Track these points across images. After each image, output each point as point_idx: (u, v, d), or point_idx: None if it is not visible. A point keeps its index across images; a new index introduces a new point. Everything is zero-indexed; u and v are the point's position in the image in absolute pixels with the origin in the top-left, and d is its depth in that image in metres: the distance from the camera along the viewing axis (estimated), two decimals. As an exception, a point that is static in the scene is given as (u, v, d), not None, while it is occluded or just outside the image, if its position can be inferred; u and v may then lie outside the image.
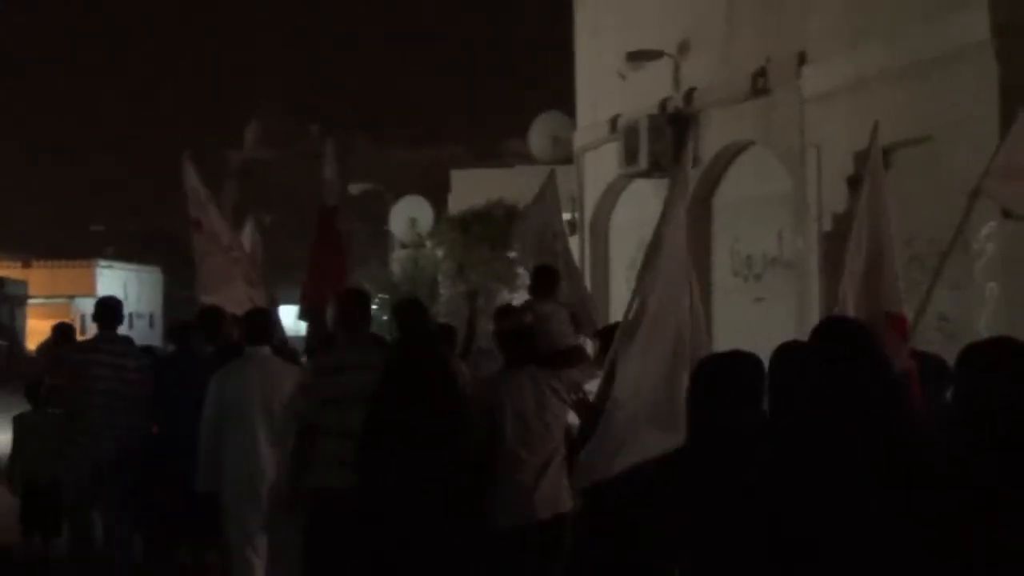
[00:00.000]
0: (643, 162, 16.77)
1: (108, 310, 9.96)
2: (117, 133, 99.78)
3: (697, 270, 17.02)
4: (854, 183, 13.27)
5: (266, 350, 8.76)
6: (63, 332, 11.99)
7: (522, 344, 7.89)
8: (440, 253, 25.01)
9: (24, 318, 49.12)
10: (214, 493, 8.55)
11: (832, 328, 5.21)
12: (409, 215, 30.11)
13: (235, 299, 10.24)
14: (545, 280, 10.63)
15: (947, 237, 8.53)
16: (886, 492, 4.55)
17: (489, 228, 23.40)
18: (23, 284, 51.73)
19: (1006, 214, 6.76)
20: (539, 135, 27.13)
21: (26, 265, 55.61)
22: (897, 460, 4.61)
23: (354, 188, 33.75)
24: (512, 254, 21.94)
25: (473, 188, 25.90)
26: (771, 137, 14.94)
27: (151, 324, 62.89)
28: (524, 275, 22.14)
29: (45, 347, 11.94)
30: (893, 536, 4.51)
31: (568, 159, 26.37)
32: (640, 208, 19.32)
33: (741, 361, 5.60)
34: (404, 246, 30.58)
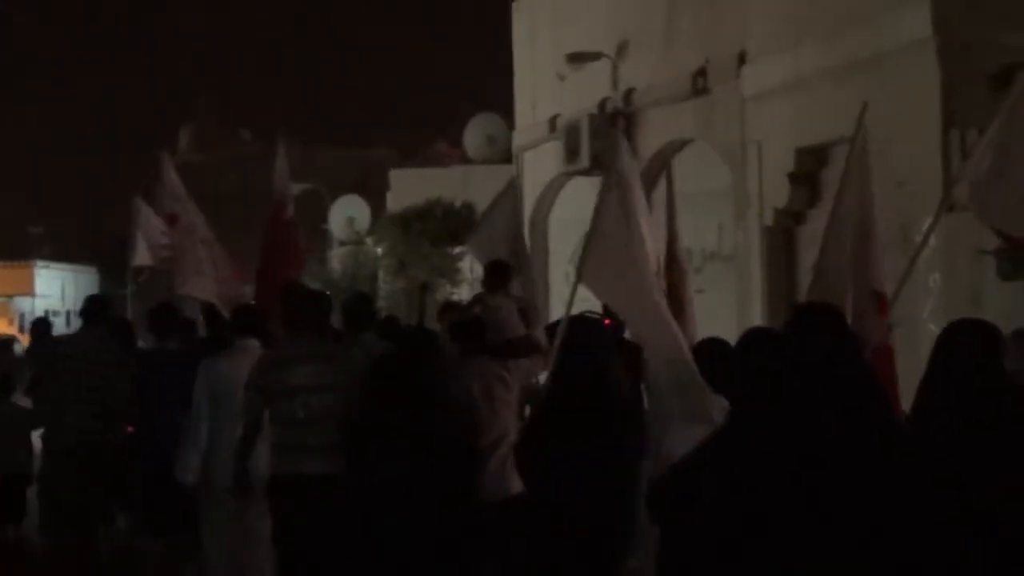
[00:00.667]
0: (584, 160, 16.53)
1: (93, 306, 9.55)
2: (52, 136, 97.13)
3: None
4: (795, 178, 13.14)
5: (254, 342, 8.39)
6: (42, 327, 11.56)
7: (472, 335, 7.87)
8: (380, 250, 24.68)
9: None
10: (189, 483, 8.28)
11: (811, 314, 5.06)
12: (347, 214, 30.05)
13: (206, 289, 10.16)
14: (497, 275, 10.34)
15: (887, 229, 8.31)
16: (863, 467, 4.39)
17: (429, 225, 23.10)
18: None
19: (999, 234, 6.40)
20: (474, 135, 27.09)
21: None
22: (876, 439, 4.50)
23: (294, 188, 33.15)
24: (457, 250, 21.78)
25: (411, 187, 25.61)
26: (711, 134, 14.74)
27: None
28: (466, 270, 22.01)
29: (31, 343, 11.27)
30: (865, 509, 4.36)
31: (502, 159, 26.30)
32: (579, 205, 19.02)
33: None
34: (343, 243, 30.37)
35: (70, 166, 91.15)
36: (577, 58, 16.91)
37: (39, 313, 58.53)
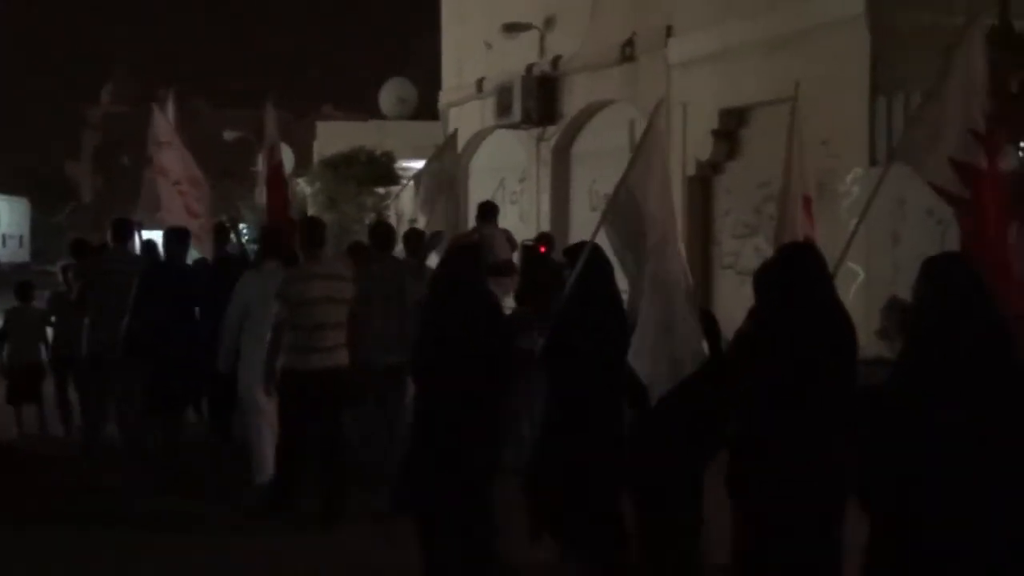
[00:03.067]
0: (516, 115, 15.68)
1: (123, 228, 9.59)
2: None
3: (560, 208, 16.32)
4: (718, 135, 12.54)
5: (277, 263, 8.14)
6: (79, 245, 10.70)
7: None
8: (309, 189, 23.57)
9: None
10: (231, 373, 8.05)
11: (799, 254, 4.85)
12: None
13: (177, 219, 9.87)
14: (488, 210, 10.61)
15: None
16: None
17: (354, 169, 22.14)
18: None
19: (937, 189, 5.90)
20: (387, 96, 26.18)
21: None
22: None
23: (228, 136, 31.94)
24: (383, 190, 21.03)
25: (335, 138, 24.52)
26: (636, 96, 14.01)
27: (20, 244, 60.51)
28: (393, 208, 21.21)
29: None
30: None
31: (411, 116, 25.36)
32: (498, 155, 18.31)
33: None
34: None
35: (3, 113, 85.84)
36: (512, 28, 16.04)
37: None
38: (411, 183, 13.68)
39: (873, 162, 10.14)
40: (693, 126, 12.77)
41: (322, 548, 6.78)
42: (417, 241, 9.35)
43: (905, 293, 4.54)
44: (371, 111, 27.60)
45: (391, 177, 21.67)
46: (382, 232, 8.88)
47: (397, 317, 8.08)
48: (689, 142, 12.84)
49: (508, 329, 6.09)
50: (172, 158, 10.44)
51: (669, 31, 13.24)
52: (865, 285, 9.92)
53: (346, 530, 7.00)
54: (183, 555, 6.69)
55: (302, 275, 7.40)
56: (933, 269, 3.94)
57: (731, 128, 12.40)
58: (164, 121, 10.70)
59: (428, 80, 26.05)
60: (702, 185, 12.94)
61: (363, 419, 8.46)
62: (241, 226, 22.30)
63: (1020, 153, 7.92)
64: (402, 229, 17.84)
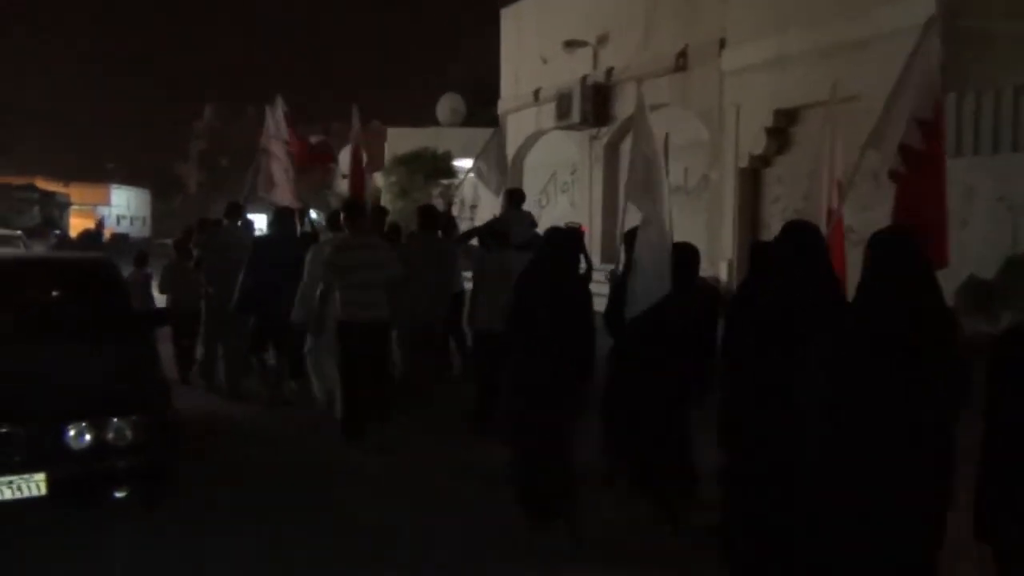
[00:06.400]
0: (575, 117, 13.87)
1: (234, 208, 9.19)
2: (116, 97, 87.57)
3: (611, 196, 14.51)
4: (770, 132, 10.75)
5: (336, 234, 7.53)
6: (201, 222, 10.03)
7: (498, 234, 7.18)
8: (383, 181, 21.94)
9: (68, 217, 45.03)
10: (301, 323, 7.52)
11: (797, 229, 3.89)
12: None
13: (282, 199, 9.42)
14: (517, 196, 9.35)
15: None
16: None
17: (422, 164, 20.51)
18: (66, 195, 47.69)
19: (890, 173, 4.85)
20: (443, 108, 24.54)
21: (65, 184, 50.59)
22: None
23: (314, 139, 30.21)
24: (446, 181, 19.61)
25: (402, 141, 22.74)
26: (687, 101, 12.20)
27: (144, 223, 60.77)
28: (460, 194, 19.67)
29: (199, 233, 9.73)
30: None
31: (462, 124, 23.61)
32: (548, 154, 16.54)
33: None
34: (345, 177, 27.47)
35: (121, 115, 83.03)
36: (571, 44, 14.20)
37: (113, 217, 54.78)
38: (470, 175, 12.53)
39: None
40: (745, 125, 10.99)
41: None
42: (442, 222, 8.46)
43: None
44: (415, 124, 25.76)
45: (450, 172, 20.47)
46: (425, 214, 7.97)
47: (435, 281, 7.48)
48: (742, 139, 11.05)
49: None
50: (279, 150, 9.83)
51: (722, 43, 11.40)
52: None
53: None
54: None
55: (347, 244, 6.83)
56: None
57: (783, 126, 10.61)
58: (273, 120, 10.05)
59: (472, 95, 24.68)
60: (753, 176, 11.15)
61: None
62: (312, 212, 21.08)
63: None
64: (465, 214, 15.96)
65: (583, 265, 6.66)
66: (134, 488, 3.99)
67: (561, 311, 4.69)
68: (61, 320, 4.91)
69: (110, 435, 3.94)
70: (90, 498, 4.01)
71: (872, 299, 3.06)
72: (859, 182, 6.22)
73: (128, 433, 3.94)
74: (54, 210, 43.70)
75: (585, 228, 9.68)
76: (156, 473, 4.09)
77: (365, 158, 9.73)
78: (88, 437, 3.88)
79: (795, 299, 3.55)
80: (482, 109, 23.16)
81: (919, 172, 4.90)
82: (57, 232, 34.17)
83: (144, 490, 4.07)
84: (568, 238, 5.11)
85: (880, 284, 3.06)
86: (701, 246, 6.22)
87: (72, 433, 3.87)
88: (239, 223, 9.33)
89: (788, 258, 3.70)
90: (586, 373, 4.73)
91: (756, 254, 4.55)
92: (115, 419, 3.92)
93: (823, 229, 4.91)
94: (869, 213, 9.30)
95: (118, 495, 3.96)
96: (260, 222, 15.36)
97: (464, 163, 18.40)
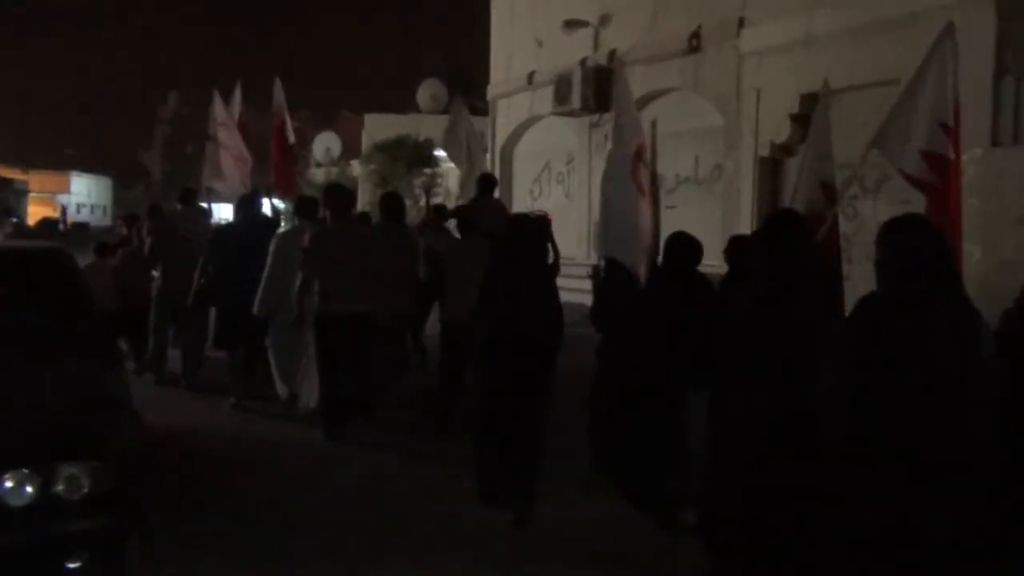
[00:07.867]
0: (575, 102, 12.95)
1: (189, 194, 9.06)
2: (80, 81, 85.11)
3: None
4: (796, 118, 9.91)
5: (307, 223, 7.34)
6: (154, 208, 9.54)
7: (467, 222, 7.05)
8: (360, 169, 21.07)
9: (26, 205, 43.54)
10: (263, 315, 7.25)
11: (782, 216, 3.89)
12: (326, 145, 27.11)
13: (232, 188, 9.39)
14: (489, 182, 9.08)
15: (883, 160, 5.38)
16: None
17: (401, 152, 19.79)
18: (25, 183, 46.12)
19: (906, 176, 4.83)
20: (423, 94, 23.88)
21: (24, 171, 48.95)
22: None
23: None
24: (428, 170, 18.75)
25: (380, 128, 21.81)
26: (699, 84, 11.34)
27: (104, 212, 60.14)
28: (445, 183, 18.92)
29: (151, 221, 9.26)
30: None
31: (442, 111, 22.64)
32: (541, 140, 15.60)
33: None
34: (319, 165, 27.11)
35: (93, 107, 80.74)
36: (571, 24, 13.27)
37: (73, 206, 53.15)
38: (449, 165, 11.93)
39: (995, 142, 7.62)
40: (766, 111, 10.16)
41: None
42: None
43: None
44: (389, 110, 24.77)
45: (432, 160, 19.55)
46: (389, 202, 7.56)
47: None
48: (763, 126, 10.22)
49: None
50: (228, 137, 9.65)
51: (741, 22, 10.57)
52: (980, 262, 7.44)
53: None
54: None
55: (326, 233, 6.63)
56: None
57: (811, 112, 9.74)
58: (222, 105, 9.90)
59: (452, 81, 23.85)
60: (773, 166, 10.33)
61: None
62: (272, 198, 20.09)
63: None
64: (450, 203, 15.21)
65: (551, 255, 6.58)
66: (93, 557, 2.96)
67: (526, 300, 4.62)
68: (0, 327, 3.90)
69: (60, 487, 2.94)
70: (34, 573, 2.96)
71: (891, 282, 3.03)
72: (843, 188, 5.60)
73: (85, 483, 2.94)
74: (11, 197, 42.24)
75: (551, 216, 9.37)
76: (121, 535, 3.06)
77: (292, 137, 9.03)
78: (30, 490, 2.90)
79: (777, 284, 3.47)
80: (461, 96, 22.39)
81: (947, 180, 4.78)
82: (14, 220, 32.83)
83: (106, 559, 3.02)
84: (534, 226, 5.02)
85: (897, 263, 3.02)
86: (712, 240, 6.01)
87: (9, 485, 2.89)
88: (193, 209, 9.01)
89: (771, 246, 3.57)
90: (550, 362, 4.67)
91: (734, 250, 4.68)
92: (67, 465, 2.93)
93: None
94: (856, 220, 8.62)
95: (71, 567, 2.93)
96: (226, 211, 14.71)
97: (444, 152, 17.52)
